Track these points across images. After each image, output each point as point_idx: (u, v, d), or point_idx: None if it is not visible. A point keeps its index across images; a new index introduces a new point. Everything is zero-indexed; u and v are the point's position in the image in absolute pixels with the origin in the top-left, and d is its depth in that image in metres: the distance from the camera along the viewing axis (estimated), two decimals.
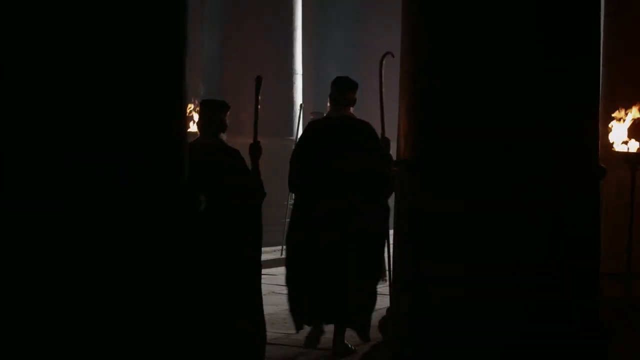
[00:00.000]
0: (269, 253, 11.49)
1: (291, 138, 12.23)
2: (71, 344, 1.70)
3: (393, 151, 5.29)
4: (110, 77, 1.73)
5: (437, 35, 4.29)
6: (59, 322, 1.70)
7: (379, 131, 6.67)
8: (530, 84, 4.20)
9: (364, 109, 12.41)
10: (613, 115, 6.37)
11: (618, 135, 6.43)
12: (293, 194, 11.89)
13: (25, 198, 1.65)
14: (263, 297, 8.37)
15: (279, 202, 12.25)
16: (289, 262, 6.60)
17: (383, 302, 7.81)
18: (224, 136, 6.12)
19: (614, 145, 6.48)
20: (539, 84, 4.21)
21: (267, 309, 7.88)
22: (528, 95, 4.19)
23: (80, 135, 1.70)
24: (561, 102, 4.26)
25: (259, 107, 5.75)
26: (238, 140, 12.65)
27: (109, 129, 1.73)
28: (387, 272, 6.44)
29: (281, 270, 10.16)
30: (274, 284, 9.29)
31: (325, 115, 7.32)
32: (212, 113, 5.87)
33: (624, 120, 6.33)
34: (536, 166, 4.21)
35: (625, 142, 6.42)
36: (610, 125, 6.42)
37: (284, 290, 8.88)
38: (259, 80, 6.03)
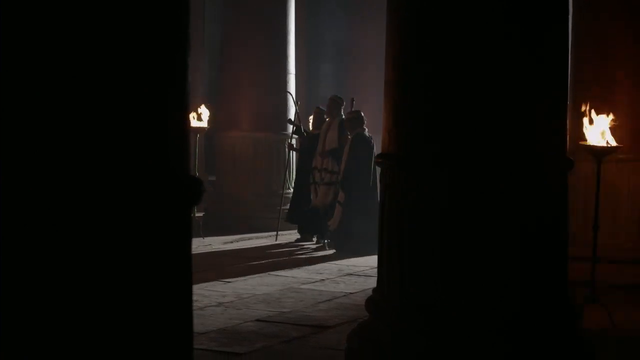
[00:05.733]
0: (265, 238, 11.51)
1: (286, 133, 12.22)
2: (71, 340, 1.69)
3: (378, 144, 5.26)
4: (113, 74, 1.72)
5: (417, 35, 4.29)
6: (59, 319, 1.68)
7: None
8: (509, 81, 4.18)
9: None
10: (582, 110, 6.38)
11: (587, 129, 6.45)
12: (287, 185, 11.99)
13: (25, 196, 1.63)
14: (260, 279, 8.42)
15: (274, 192, 12.26)
16: None
17: (371, 282, 7.84)
18: None
19: (582, 139, 6.50)
20: (518, 82, 4.19)
21: (262, 289, 7.91)
22: (507, 93, 4.17)
23: (81, 131, 1.68)
24: (537, 99, 4.26)
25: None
26: (235, 134, 12.70)
27: (110, 125, 1.71)
28: None
29: (278, 255, 10.22)
30: (270, 266, 9.31)
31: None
32: None
33: (588, 115, 6.34)
34: (518, 159, 4.21)
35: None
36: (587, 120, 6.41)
37: (279, 272, 8.92)
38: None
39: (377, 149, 4.73)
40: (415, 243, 4.25)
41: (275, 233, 11.38)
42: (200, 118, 10.68)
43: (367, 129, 10.42)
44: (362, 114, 10.48)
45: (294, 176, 11.75)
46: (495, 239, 4.16)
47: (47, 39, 1.64)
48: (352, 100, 10.76)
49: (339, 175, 10.38)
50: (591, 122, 6.31)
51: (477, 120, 4.17)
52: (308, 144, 11.02)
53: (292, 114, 11.76)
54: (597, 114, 6.34)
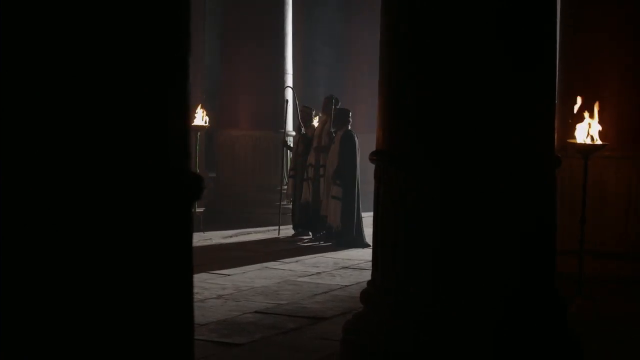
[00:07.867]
0: (263, 233, 11.51)
1: (283, 131, 12.23)
2: (73, 335, 1.68)
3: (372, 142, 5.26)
4: (113, 74, 1.71)
5: (412, 34, 4.28)
6: (62, 316, 1.68)
7: None
8: (500, 83, 4.16)
9: (352, 103, 12.46)
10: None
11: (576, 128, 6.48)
12: (285, 181, 11.98)
13: (25, 196, 1.63)
14: (258, 272, 8.42)
15: (273, 187, 12.26)
16: None
17: (365, 275, 7.85)
18: None
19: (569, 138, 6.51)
20: (508, 83, 4.18)
21: (260, 282, 7.91)
22: (506, 94, 4.15)
23: (82, 131, 1.68)
24: (526, 101, 4.25)
25: None
26: (235, 132, 12.71)
27: (111, 124, 1.71)
28: None
29: (276, 249, 10.22)
30: (268, 260, 9.31)
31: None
32: None
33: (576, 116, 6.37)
34: (518, 159, 4.19)
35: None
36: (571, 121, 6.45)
37: (277, 265, 8.92)
38: None
39: (370, 147, 4.70)
40: (414, 242, 4.20)
41: (277, 227, 11.39)
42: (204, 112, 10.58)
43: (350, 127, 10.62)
44: (350, 112, 10.72)
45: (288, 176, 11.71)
46: (496, 239, 4.11)
47: (47, 39, 1.64)
48: (332, 98, 10.87)
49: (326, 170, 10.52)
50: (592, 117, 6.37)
51: (477, 121, 4.14)
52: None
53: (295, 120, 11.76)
54: (586, 111, 6.37)
